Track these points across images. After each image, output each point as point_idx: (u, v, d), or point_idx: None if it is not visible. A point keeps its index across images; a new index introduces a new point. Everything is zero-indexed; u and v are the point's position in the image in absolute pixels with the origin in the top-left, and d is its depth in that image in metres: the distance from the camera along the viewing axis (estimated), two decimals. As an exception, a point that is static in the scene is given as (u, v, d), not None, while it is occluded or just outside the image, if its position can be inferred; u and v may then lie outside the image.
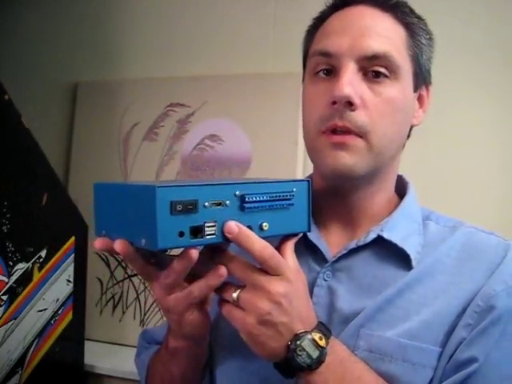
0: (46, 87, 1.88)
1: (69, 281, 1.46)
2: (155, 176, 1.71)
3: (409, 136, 0.77)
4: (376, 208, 0.74)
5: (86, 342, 1.57)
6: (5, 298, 1.27)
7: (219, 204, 0.58)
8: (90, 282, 1.57)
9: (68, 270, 1.45)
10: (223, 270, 0.59)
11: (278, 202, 0.62)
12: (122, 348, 1.66)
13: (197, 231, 0.56)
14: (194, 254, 0.57)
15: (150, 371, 0.81)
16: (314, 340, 0.61)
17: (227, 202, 0.58)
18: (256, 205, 0.60)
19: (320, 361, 0.61)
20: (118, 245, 0.56)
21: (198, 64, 1.71)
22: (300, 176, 1.55)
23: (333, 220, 0.75)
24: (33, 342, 1.36)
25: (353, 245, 0.72)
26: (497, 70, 1.40)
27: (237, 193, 0.59)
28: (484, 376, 0.63)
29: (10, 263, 1.28)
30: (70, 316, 1.47)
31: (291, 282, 0.61)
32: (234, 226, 0.58)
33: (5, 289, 1.27)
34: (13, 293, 1.29)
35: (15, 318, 1.30)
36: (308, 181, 0.65)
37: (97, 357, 1.59)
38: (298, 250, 0.74)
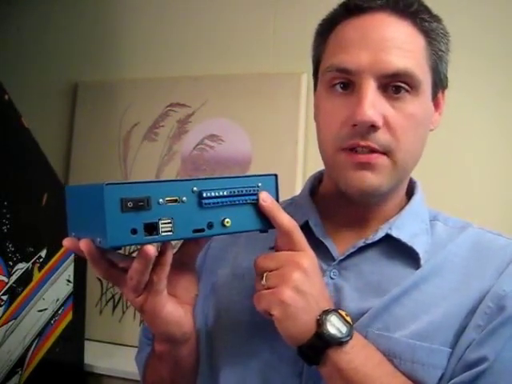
0: (45, 87, 1.88)
1: (69, 281, 1.46)
2: (155, 176, 1.72)
3: None
4: (387, 211, 0.74)
5: (86, 341, 1.57)
6: (5, 298, 1.27)
7: (175, 201, 0.57)
8: (89, 282, 1.57)
9: (68, 270, 1.46)
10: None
11: (240, 198, 0.61)
12: (121, 348, 1.66)
13: (151, 228, 0.55)
14: (150, 250, 0.56)
15: (146, 373, 0.81)
16: (341, 315, 0.62)
17: (184, 199, 0.57)
18: (215, 200, 0.59)
19: (350, 335, 0.61)
20: (82, 243, 0.57)
21: (198, 64, 1.71)
22: (300, 176, 1.55)
23: (341, 221, 0.75)
24: (33, 342, 1.36)
25: (361, 243, 0.71)
26: (500, 63, 1.40)
27: (194, 189, 0.58)
28: (494, 374, 0.63)
29: (10, 263, 1.28)
30: (70, 316, 1.48)
31: (313, 257, 0.64)
32: (268, 195, 0.62)
33: (5, 289, 1.27)
34: (13, 293, 1.29)
35: (15, 318, 1.30)
36: (275, 175, 0.64)
37: (97, 357, 1.60)
38: None
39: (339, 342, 0.61)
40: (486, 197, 1.42)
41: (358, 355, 0.62)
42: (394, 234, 0.71)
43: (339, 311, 0.62)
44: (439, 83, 0.71)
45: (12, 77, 1.49)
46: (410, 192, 0.77)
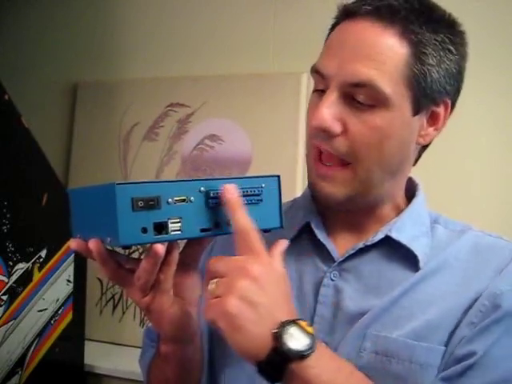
0: (45, 87, 1.88)
1: (69, 281, 1.46)
2: (155, 176, 1.72)
3: (420, 155, 0.75)
4: (384, 213, 0.74)
5: (86, 341, 1.57)
6: (5, 297, 1.27)
7: (183, 200, 0.58)
8: (89, 282, 1.57)
9: (68, 270, 1.45)
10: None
11: (245, 198, 0.61)
12: (121, 348, 1.65)
13: (161, 227, 0.56)
14: (160, 249, 0.56)
15: (150, 375, 0.81)
16: (301, 326, 0.56)
17: (192, 198, 0.59)
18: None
19: (312, 347, 0.56)
20: (92, 243, 0.57)
21: (198, 64, 1.71)
22: (300, 176, 1.55)
23: (341, 223, 0.75)
24: (33, 342, 1.36)
25: (360, 245, 0.71)
26: (502, 67, 1.40)
27: (202, 189, 0.59)
28: (481, 368, 0.63)
29: (10, 263, 1.28)
30: (70, 316, 1.47)
31: (268, 264, 0.59)
32: (234, 188, 0.59)
33: (5, 289, 1.27)
34: (13, 293, 1.29)
35: (15, 318, 1.30)
36: (278, 176, 0.65)
37: (97, 357, 1.59)
38: (305, 250, 0.74)
39: (300, 356, 0.55)
40: (486, 199, 1.42)
41: (326, 368, 0.58)
42: (394, 236, 0.71)
43: (299, 322, 0.57)
44: (427, 98, 0.67)
45: (12, 77, 1.49)
46: (411, 194, 0.77)
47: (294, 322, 0.57)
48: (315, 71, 0.69)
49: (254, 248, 0.59)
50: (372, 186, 0.69)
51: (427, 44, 0.66)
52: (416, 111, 0.68)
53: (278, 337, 0.55)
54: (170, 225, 0.57)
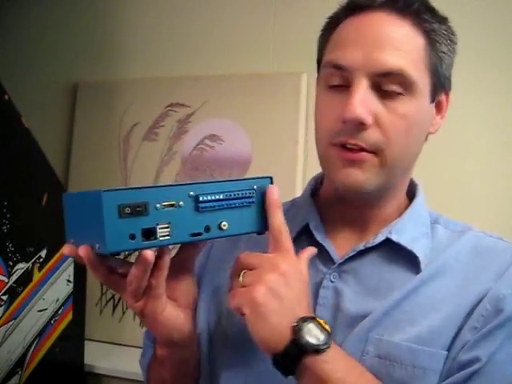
0: (45, 87, 1.88)
1: (69, 281, 1.46)
2: (155, 176, 1.72)
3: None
4: (386, 213, 0.73)
5: (86, 341, 1.57)
6: (5, 297, 1.27)
7: (172, 205, 0.58)
8: (89, 282, 1.57)
9: (68, 270, 1.45)
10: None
11: (236, 201, 0.61)
12: (121, 348, 1.65)
13: (149, 233, 0.56)
14: (148, 255, 0.56)
15: (149, 375, 0.81)
16: (319, 323, 0.60)
17: (181, 203, 0.58)
18: (211, 204, 0.60)
19: (328, 343, 0.59)
20: (81, 250, 0.57)
21: (198, 64, 1.71)
22: (300, 176, 1.55)
23: (341, 223, 0.74)
24: (33, 342, 1.36)
25: (361, 246, 0.71)
26: (502, 67, 1.40)
27: (191, 193, 0.59)
28: (486, 375, 0.62)
29: (10, 263, 1.28)
30: (70, 316, 1.48)
31: (295, 263, 0.63)
32: (277, 191, 0.64)
33: (5, 289, 1.27)
34: (13, 293, 1.29)
35: (15, 318, 1.30)
36: (270, 177, 0.65)
37: (97, 357, 1.60)
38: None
39: (316, 350, 0.58)
40: (486, 199, 1.42)
41: (340, 365, 0.60)
42: (394, 238, 0.70)
43: (317, 319, 0.60)
44: (440, 86, 0.70)
45: (12, 77, 1.49)
46: (412, 194, 0.76)
47: (312, 318, 0.60)
48: (333, 66, 0.67)
49: (284, 247, 0.62)
50: (396, 175, 0.70)
51: (438, 33, 0.68)
52: (432, 98, 0.70)
53: (297, 330, 0.58)
54: (158, 230, 0.57)
